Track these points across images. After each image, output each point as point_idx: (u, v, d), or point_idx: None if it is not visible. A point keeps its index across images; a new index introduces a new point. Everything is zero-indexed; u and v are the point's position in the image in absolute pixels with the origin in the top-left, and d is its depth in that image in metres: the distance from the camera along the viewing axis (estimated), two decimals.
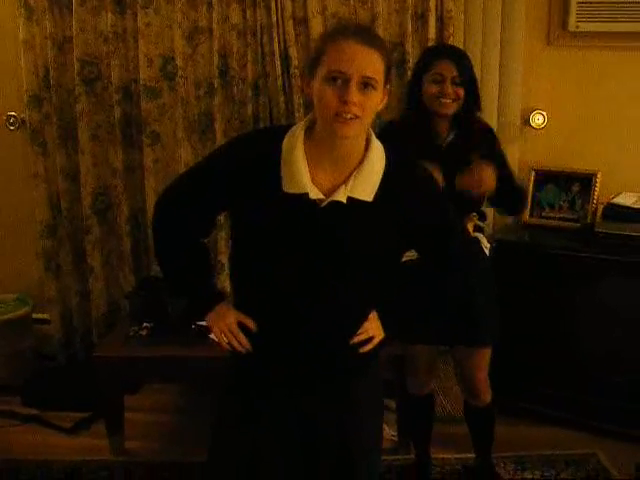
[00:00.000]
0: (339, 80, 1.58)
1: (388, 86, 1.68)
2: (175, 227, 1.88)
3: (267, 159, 1.69)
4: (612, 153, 3.42)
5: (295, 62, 3.33)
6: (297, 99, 3.36)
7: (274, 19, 3.31)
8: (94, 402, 3.25)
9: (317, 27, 3.31)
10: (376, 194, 1.70)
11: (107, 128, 3.57)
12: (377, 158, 1.72)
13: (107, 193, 3.65)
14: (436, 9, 3.28)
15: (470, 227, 2.59)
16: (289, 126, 1.75)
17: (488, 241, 2.72)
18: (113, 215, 3.67)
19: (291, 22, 3.31)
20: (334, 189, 1.69)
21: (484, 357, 2.71)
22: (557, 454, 3.14)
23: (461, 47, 3.33)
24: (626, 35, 3.34)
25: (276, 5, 3.30)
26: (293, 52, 3.32)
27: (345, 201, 1.68)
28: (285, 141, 1.70)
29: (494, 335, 2.66)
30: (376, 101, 1.65)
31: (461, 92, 2.49)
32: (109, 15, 3.40)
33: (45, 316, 3.84)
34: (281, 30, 3.32)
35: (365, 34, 1.65)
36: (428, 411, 2.92)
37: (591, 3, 3.30)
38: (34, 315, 3.83)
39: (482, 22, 3.33)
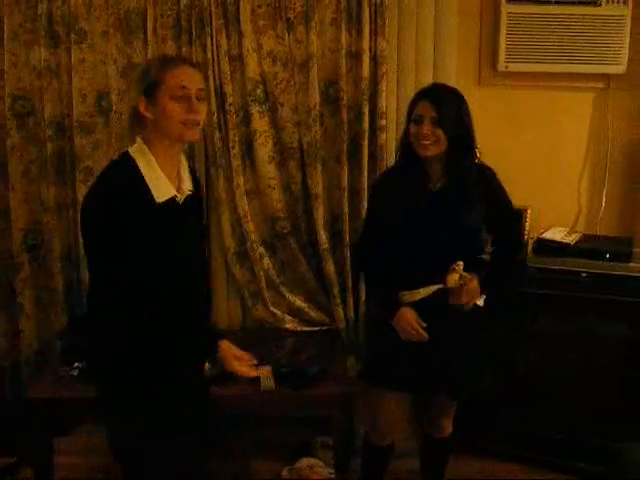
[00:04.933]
0: (182, 97, 1.98)
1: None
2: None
3: (134, 186, 1.99)
4: (541, 189, 3.51)
5: (230, 99, 3.33)
6: (232, 136, 3.36)
7: (209, 56, 3.31)
8: (21, 446, 3.14)
9: (253, 65, 3.33)
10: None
11: (39, 163, 3.51)
12: (184, 159, 2.18)
13: (38, 230, 3.57)
14: (370, 49, 3.32)
15: (454, 278, 2.48)
16: (124, 155, 2.06)
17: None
18: (44, 252, 3.58)
19: (226, 59, 3.31)
20: (177, 188, 2.09)
21: (455, 406, 2.76)
22: None
23: (395, 86, 3.41)
24: (552, 75, 3.46)
25: (212, 42, 3.31)
26: (228, 89, 3.33)
27: (189, 192, 2.14)
28: (140, 161, 2.02)
29: (475, 387, 2.64)
30: (207, 109, 2.12)
31: (440, 133, 2.38)
32: (42, 50, 3.35)
33: None
34: (216, 67, 3.32)
35: (189, 60, 2.23)
36: (385, 463, 2.88)
37: (519, 45, 3.40)
38: None
39: (415, 62, 3.39)
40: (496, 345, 3.06)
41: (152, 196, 2.01)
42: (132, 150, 2.05)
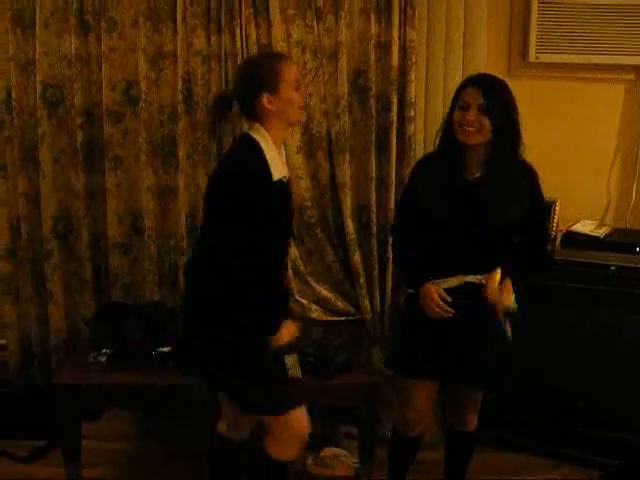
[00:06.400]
0: (298, 87, 2.31)
1: None
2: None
3: (261, 164, 2.25)
4: (570, 181, 3.48)
5: None
6: None
7: (238, 45, 3.32)
8: (51, 430, 3.18)
9: None
10: None
11: (69, 152, 3.53)
12: None
13: (68, 217, 3.60)
14: (399, 38, 3.31)
15: (494, 287, 2.43)
16: (246, 137, 2.32)
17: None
18: (74, 240, 3.62)
19: (255, 49, 3.32)
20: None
21: (478, 400, 2.76)
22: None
23: (423, 76, 3.39)
24: (583, 66, 3.43)
25: (241, 32, 3.32)
26: None
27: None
28: (262, 143, 2.27)
29: (501, 382, 2.63)
30: None
31: (485, 121, 2.36)
32: (73, 38, 3.37)
33: (2, 342, 3.76)
34: (245, 56, 3.32)
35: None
36: (412, 454, 2.87)
37: (550, 35, 3.37)
38: None
39: (444, 52, 3.37)
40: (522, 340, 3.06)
41: (271, 175, 2.27)
42: (253, 133, 2.31)
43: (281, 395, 2.42)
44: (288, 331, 2.44)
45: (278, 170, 2.31)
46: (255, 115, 2.30)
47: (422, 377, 2.64)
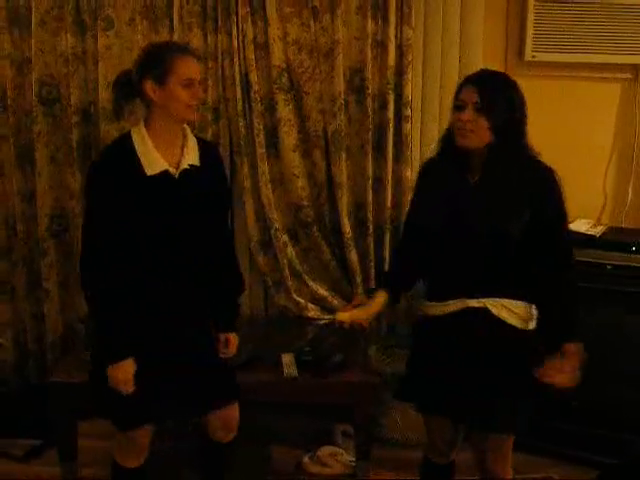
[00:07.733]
0: (189, 85, 2.21)
1: None
2: (114, 270, 2.25)
3: (125, 160, 2.23)
4: (567, 180, 3.44)
5: (255, 87, 3.34)
6: (257, 124, 3.37)
7: (235, 44, 3.32)
8: (47, 429, 3.17)
9: (278, 53, 3.33)
10: (200, 159, 2.34)
11: (65, 150, 3.53)
12: (192, 136, 2.37)
13: (64, 215, 3.60)
14: (395, 37, 3.31)
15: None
16: (125, 133, 2.30)
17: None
18: (70, 238, 3.62)
19: (252, 47, 3.32)
20: (176, 163, 2.29)
21: (502, 445, 2.38)
22: (514, 478, 3.15)
23: (420, 75, 3.39)
24: (580, 65, 3.44)
25: (237, 30, 3.31)
26: (253, 77, 3.33)
27: (189, 167, 2.29)
28: (135, 138, 2.25)
29: (516, 423, 2.30)
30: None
31: (482, 121, 2.11)
32: (69, 37, 3.37)
33: None
34: (242, 55, 3.33)
35: (193, 51, 2.43)
36: None
37: (546, 34, 3.38)
38: None
39: (441, 51, 3.38)
40: None
41: (143, 169, 2.23)
42: (133, 128, 2.30)
43: (124, 412, 2.37)
44: (123, 374, 2.28)
45: (153, 164, 2.24)
46: (144, 100, 2.27)
47: (426, 411, 2.45)
